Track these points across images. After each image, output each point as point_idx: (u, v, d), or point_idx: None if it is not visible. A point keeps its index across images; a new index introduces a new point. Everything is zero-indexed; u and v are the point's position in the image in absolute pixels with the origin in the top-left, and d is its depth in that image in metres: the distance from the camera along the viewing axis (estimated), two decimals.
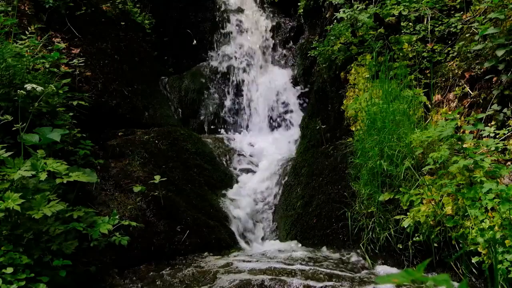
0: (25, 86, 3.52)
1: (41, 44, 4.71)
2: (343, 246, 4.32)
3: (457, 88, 4.26)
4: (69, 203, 3.51)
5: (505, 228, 3.03)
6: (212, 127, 6.87)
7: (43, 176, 3.16)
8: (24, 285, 2.85)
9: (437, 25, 4.88)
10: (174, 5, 7.79)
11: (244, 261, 4.01)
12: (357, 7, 5.26)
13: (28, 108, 3.69)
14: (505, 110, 3.74)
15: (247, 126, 6.92)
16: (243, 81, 7.15)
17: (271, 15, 8.09)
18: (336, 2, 5.78)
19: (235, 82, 7.15)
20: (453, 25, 4.76)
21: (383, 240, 3.89)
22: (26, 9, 5.25)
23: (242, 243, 4.90)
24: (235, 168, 6.00)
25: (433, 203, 3.52)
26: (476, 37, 4.20)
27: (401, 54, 4.77)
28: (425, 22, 4.99)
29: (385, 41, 4.82)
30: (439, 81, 4.49)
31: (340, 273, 3.71)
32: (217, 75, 7.21)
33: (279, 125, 6.88)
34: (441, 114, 4.16)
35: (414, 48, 4.78)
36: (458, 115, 3.99)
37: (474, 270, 3.21)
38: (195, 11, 7.92)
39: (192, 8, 7.90)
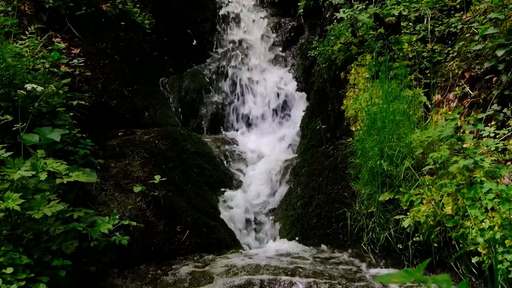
0: (26, 86, 3.52)
1: (41, 44, 4.71)
2: (343, 246, 4.32)
3: (457, 88, 4.26)
4: (69, 203, 3.52)
5: (505, 228, 3.03)
6: (212, 127, 6.86)
7: (43, 176, 3.16)
8: (24, 285, 2.85)
9: (437, 25, 4.88)
10: (174, 5, 7.78)
11: (244, 261, 4.00)
12: (357, 7, 5.27)
13: (28, 108, 3.69)
14: (505, 110, 3.74)
15: (247, 126, 6.92)
16: (243, 81, 7.15)
17: (271, 15, 8.09)
18: (336, 2, 5.78)
19: (235, 82, 7.15)
20: (453, 25, 4.76)
21: (383, 240, 3.89)
22: (26, 9, 5.26)
23: (242, 243, 4.90)
24: (235, 168, 6.00)
25: (433, 203, 3.52)
26: (476, 37, 4.20)
27: (401, 54, 4.77)
28: (425, 22, 4.99)
29: (385, 41, 4.82)
30: (439, 81, 4.49)
31: (340, 272, 3.72)
32: (217, 75, 7.20)
33: (279, 125, 6.88)
34: (441, 114, 4.16)
35: (414, 48, 4.78)
36: (458, 115, 3.99)
37: (474, 270, 3.21)
38: (195, 11, 7.91)
39: (192, 8, 7.89)
